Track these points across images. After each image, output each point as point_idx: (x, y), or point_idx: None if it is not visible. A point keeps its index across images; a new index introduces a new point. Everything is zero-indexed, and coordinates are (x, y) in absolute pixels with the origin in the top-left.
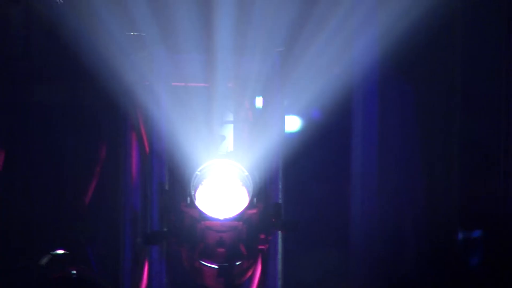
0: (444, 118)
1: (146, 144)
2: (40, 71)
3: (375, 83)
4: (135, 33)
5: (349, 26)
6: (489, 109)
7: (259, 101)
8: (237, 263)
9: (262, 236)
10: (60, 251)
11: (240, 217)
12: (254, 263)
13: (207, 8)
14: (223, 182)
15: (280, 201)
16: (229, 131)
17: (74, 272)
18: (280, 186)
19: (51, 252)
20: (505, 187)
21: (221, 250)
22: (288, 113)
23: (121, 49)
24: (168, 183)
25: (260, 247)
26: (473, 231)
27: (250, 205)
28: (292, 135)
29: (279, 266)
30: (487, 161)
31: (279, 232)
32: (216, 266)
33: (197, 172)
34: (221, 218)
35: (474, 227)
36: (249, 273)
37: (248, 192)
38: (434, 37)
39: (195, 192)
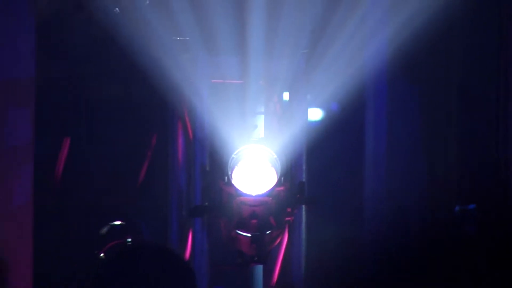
0: (444, 112)
1: (190, 132)
2: (101, 71)
3: (384, 82)
4: (181, 38)
5: (362, 31)
6: (482, 104)
7: (286, 96)
8: (267, 232)
9: (289, 210)
10: (118, 223)
11: (270, 193)
12: (282, 233)
13: (242, 16)
14: (255, 163)
15: (304, 180)
16: (260, 121)
17: (129, 240)
18: (304, 168)
19: (110, 224)
20: (498, 170)
21: (254, 221)
22: (311, 106)
23: (169, 52)
24: (209, 165)
25: (287, 219)
26: (468, 206)
27: (278, 183)
28: (314, 124)
29: (303, 235)
30: (483, 152)
31: (303, 206)
32: (249, 235)
33: (233, 156)
34: (254, 194)
35: (469, 202)
36: (278, 241)
37: (277, 172)
38: (436, 41)
39: (231, 172)
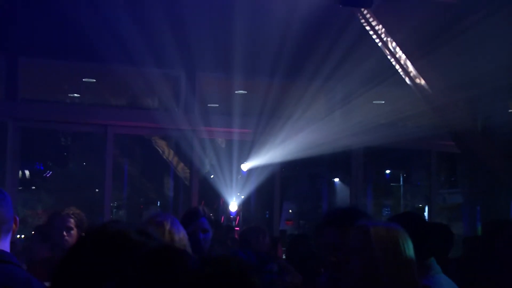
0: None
1: (222, 200)
2: None
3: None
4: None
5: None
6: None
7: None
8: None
9: (239, 212)
10: None
11: (235, 210)
12: (239, 216)
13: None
14: (233, 204)
15: (240, 209)
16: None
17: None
18: (241, 206)
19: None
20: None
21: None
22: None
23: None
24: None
25: (238, 212)
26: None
27: (237, 208)
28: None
29: (241, 219)
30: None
31: (241, 212)
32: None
33: (230, 203)
34: (233, 211)
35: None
36: (237, 218)
37: (237, 206)
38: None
39: (230, 206)
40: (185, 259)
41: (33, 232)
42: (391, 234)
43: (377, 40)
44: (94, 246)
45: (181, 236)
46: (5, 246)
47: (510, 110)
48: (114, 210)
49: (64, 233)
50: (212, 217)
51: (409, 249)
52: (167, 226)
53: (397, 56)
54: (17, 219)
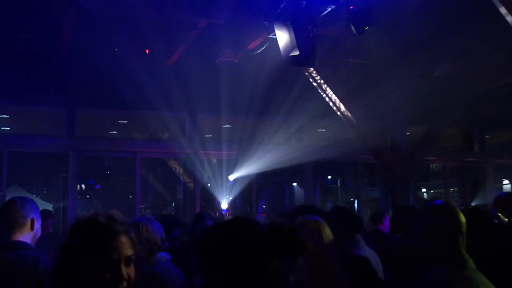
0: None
1: (216, 201)
2: None
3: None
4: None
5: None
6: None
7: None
8: (229, 212)
9: (228, 207)
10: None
11: (226, 206)
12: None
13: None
14: (224, 203)
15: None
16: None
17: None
18: (230, 205)
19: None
20: None
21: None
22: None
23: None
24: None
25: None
26: None
27: (227, 206)
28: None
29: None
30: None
31: (230, 210)
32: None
33: (222, 204)
34: (224, 208)
35: None
36: (227, 213)
37: (228, 205)
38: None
39: (222, 205)
40: (253, 225)
41: None
42: (315, 223)
43: (317, 87)
44: (84, 229)
45: (150, 232)
46: (22, 238)
47: (407, 133)
48: (143, 210)
49: None
50: (218, 216)
51: (329, 232)
52: (141, 225)
53: (332, 98)
54: (34, 220)
